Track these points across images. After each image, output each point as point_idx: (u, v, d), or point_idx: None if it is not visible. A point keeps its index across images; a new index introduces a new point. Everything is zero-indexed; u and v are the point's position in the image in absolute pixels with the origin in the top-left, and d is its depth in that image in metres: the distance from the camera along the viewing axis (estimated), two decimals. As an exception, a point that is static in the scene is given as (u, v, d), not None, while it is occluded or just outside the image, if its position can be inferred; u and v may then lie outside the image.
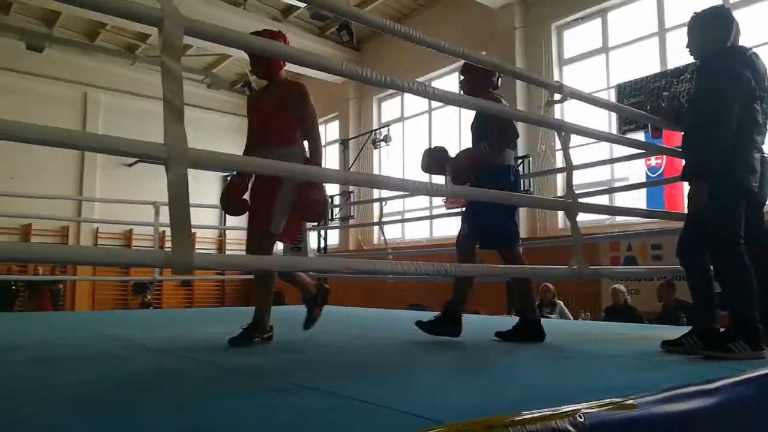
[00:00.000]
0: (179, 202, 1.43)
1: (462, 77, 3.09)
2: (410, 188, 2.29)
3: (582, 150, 6.68)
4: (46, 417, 1.31)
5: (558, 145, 7.96)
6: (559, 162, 8.08)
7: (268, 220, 2.62)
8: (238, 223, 14.12)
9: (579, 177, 4.24)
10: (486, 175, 2.82)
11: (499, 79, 3.07)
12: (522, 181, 8.04)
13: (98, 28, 11.01)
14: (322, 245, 11.00)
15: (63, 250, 1.28)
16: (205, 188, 11.29)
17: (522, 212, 7.56)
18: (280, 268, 2.32)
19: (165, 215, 5.45)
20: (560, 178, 8.02)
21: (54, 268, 10.26)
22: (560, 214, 7.92)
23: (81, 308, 11.15)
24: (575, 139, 2.91)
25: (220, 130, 12.22)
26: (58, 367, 2.08)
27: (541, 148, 8.25)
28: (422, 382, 1.79)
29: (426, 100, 9.97)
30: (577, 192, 2.61)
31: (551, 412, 1.22)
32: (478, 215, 2.98)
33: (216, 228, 11.73)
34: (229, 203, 2.78)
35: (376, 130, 10.92)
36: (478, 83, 2.99)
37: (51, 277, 9.27)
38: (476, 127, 3.06)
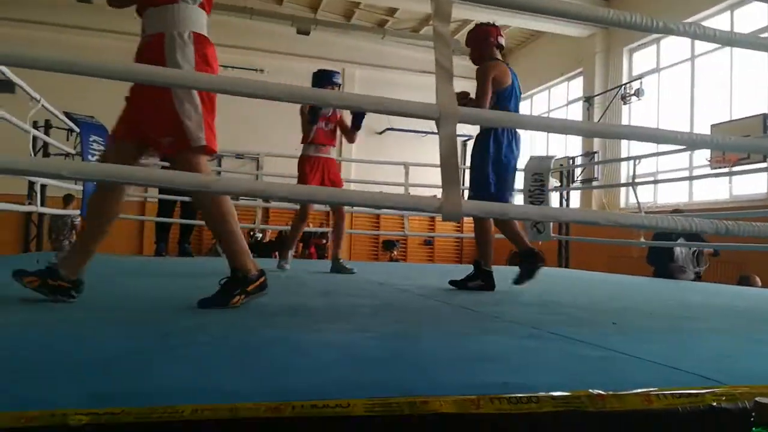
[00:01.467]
0: (449, 155, 1.55)
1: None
2: (668, 140, 2.09)
3: None
4: (356, 327, 1.57)
5: None
6: None
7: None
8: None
9: None
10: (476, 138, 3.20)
11: (499, 37, 3.17)
12: None
13: (354, 8, 12.07)
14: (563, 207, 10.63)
15: (352, 193, 1.49)
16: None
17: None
18: (540, 218, 2.32)
19: (412, 176, 5.86)
20: None
21: (321, 224, 11.86)
22: None
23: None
24: None
25: (460, 94, 12.49)
26: (339, 298, 2.44)
27: None
28: (690, 344, 1.67)
29: (687, 47, 8.83)
30: None
31: None
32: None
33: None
34: None
35: (626, 84, 10.03)
36: (482, 50, 3.19)
37: (318, 230, 10.69)
38: None
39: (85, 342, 1.35)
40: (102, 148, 5.03)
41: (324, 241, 11.83)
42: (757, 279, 5.73)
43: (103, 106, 4.54)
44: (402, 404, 0.91)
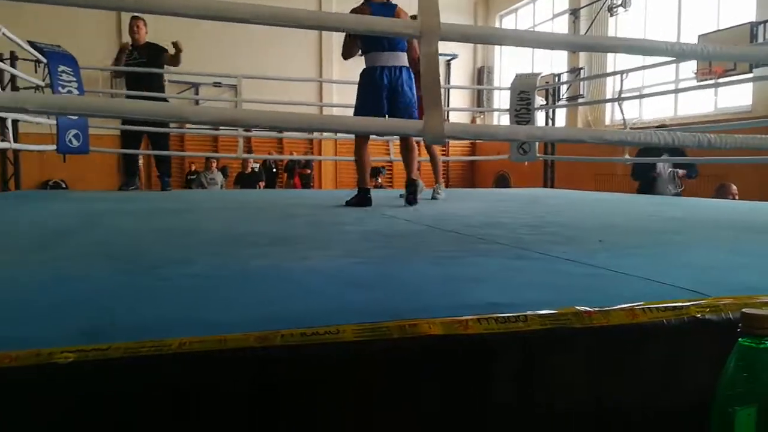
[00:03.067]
0: (432, 75, 1.49)
1: None
2: (656, 51, 2.02)
3: None
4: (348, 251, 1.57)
5: None
6: None
7: None
8: (463, 103, 14.09)
9: None
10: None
11: None
12: None
13: None
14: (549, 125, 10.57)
15: (334, 119, 1.44)
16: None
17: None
18: (527, 138, 2.29)
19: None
20: None
21: (306, 152, 11.77)
22: None
23: (326, 188, 12.62)
24: None
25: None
26: (327, 227, 2.43)
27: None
28: (674, 258, 1.69)
29: (677, -47, 8.51)
30: None
31: None
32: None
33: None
34: None
35: (613, -6, 9.72)
36: None
37: (303, 157, 10.63)
38: None
39: (67, 279, 1.33)
40: (73, 78, 4.82)
41: (309, 171, 11.73)
42: (734, 187, 5.86)
43: (68, 35, 4.30)
44: (391, 328, 0.91)
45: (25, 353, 0.76)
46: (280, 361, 0.84)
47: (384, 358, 0.89)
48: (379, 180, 12.57)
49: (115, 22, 11.09)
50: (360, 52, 3.76)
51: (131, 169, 5.80)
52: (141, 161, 6.30)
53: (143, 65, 5.48)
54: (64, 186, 10.56)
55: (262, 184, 10.57)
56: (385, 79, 3.58)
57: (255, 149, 11.36)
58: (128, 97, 5.32)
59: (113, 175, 10.73)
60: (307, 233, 2.33)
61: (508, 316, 0.97)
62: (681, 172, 5.72)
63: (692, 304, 1.03)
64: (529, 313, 0.98)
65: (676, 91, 7.54)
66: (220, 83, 11.18)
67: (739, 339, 0.66)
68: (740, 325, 0.66)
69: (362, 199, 3.67)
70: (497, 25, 13.17)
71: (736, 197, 5.91)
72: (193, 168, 10.70)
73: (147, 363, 0.81)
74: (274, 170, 11.33)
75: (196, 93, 11.20)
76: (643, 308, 1.01)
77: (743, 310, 0.67)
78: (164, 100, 5.85)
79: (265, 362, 0.84)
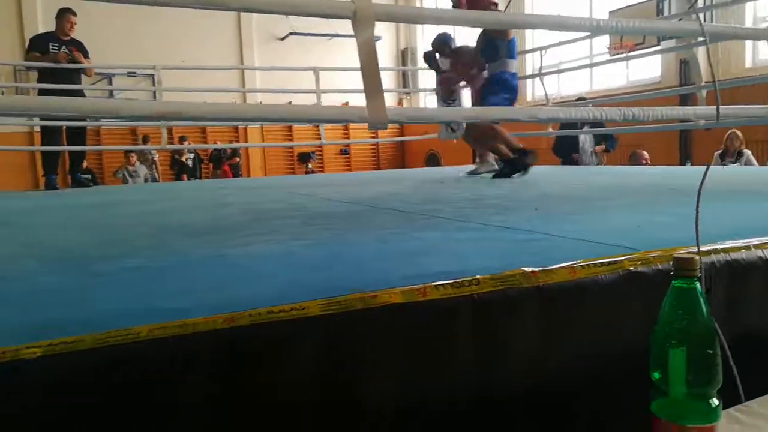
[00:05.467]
0: (370, 60, 1.50)
1: None
2: (575, 27, 2.14)
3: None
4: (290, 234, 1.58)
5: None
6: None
7: None
8: (389, 85, 14.10)
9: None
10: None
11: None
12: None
13: None
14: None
15: (264, 108, 1.43)
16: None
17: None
18: (465, 119, 2.37)
19: (323, 82, 5.62)
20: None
21: (231, 142, 11.49)
22: (748, 49, 6.92)
23: (255, 176, 12.40)
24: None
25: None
26: (264, 213, 2.42)
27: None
28: (603, 221, 1.82)
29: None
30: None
31: (758, 242, 1.21)
32: None
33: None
34: None
35: (528, -27, 10.02)
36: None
37: (228, 145, 10.39)
38: None
39: (5, 279, 1.27)
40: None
41: (237, 159, 11.46)
42: (645, 153, 6.30)
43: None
44: (354, 300, 0.94)
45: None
46: (252, 340, 0.86)
47: (352, 330, 0.92)
48: (310, 165, 12.50)
49: (15, 13, 10.34)
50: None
51: (53, 166, 5.54)
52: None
53: (70, 61, 5.38)
54: (-29, 188, 9.86)
55: (184, 176, 10.22)
56: None
57: (175, 139, 10.97)
58: (46, 92, 5.12)
59: (24, 175, 10.08)
60: (243, 220, 2.31)
61: (462, 281, 1.02)
62: (599, 148, 6.08)
63: (625, 259, 1.13)
64: (480, 276, 1.04)
65: (592, 65, 7.91)
66: (135, 73, 10.69)
67: (673, 281, 0.74)
68: (673, 268, 0.73)
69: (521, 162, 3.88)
70: (418, 5, 13.27)
71: (648, 162, 6.34)
72: (85, 165, 10.16)
73: (116, 353, 0.80)
74: (196, 160, 11.01)
75: (110, 83, 10.67)
76: (581, 265, 1.10)
77: (674, 254, 0.75)
78: (82, 94, 5.69)
79: (236, 342, 0.85)
